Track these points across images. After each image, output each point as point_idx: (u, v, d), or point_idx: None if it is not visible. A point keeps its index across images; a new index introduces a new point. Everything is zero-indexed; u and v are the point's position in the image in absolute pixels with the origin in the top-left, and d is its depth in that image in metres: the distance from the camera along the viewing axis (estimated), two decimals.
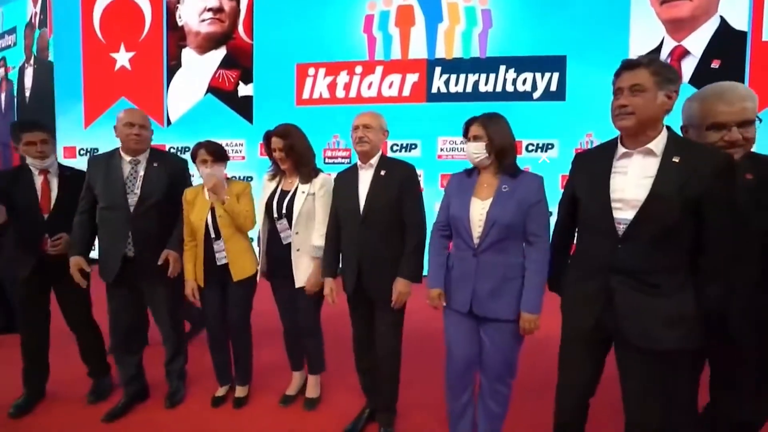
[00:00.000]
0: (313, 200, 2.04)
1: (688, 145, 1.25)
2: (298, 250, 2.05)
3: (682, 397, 1.33)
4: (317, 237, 2.03)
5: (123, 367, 2.20)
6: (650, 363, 1.27)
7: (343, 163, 5.32)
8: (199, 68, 5.68)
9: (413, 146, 5.29)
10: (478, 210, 1.58)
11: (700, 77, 4.73)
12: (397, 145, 5.38)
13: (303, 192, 2.04)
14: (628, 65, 1.26)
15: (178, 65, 5.73)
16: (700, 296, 1.22)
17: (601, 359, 1.43)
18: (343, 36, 5.36)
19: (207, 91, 5.67)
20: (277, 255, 2.10)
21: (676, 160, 1.21)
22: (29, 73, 6.69)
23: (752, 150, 1.29)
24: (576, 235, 1.51)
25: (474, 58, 5.19)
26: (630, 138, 1.30)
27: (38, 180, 2.10)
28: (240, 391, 2.27)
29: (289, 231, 2.05)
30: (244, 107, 5.62)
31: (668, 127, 1.29)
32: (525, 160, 4.90)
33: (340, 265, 2.00)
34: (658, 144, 1.25)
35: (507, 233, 1.54)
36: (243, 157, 5.60)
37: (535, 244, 1.55)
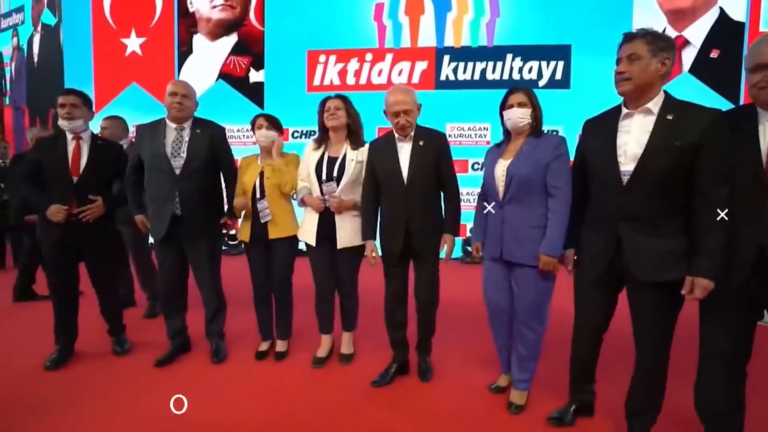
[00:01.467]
0: (360, 167, 2.17)
1: (682, 105, 1.42)
2: (340, 213, 2.17)
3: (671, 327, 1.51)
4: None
5: (171, 321, 2.38)
6: (655, 294, 1.45)
7: None
8: (210, 54, 5.75)
9: None
10: (501, 168, 1.80)
11: (700, 66, 4.93)
12: None
13: (352, 159, 2.17)
14: (626, 38, 1.45)
15: (189, 51, 5.80)
16: (697, 240, 1.38)
17: (614, 297, 1.63)
18: (354, 24, 5.47)
19: (218, 77, 5.75)
20: (326, 217, 2.20)
21: (669, 117, 1.39)
22: (36, 40, 6.78)
23: None
24: (588, 192, 1.64)
25: (481, 47, 5.33)
26: (631, 101, 1.48)
27: (71, 145, 2.21)
28: (281, 345, 2.43)
29: (335, 193, 2.15)
30: (255, 93, 5.71)
31: (665, 92, 1.46)
32: None
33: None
34: (656, 104, 1.43)
35: (527, 186, 1.73)
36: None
37: (555, 195, 1.71)
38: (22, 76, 7.06)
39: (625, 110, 1.51)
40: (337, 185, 2.15)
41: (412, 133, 2.02)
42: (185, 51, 5.80)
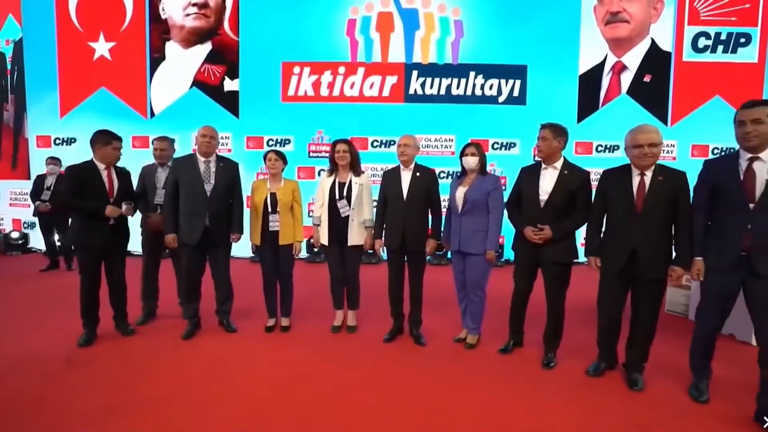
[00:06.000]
0: (360, 188, 2.99)
1: (571, 165, 2.47)
2: (353, 220, 2.95)
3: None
4: (369, 212, 3.00)
5: (188, 307, 3.00)
6: (558, 270, 2.48)
7: (326, 157, 5.68)
8: (183, 62, 5.80)
9: (391, 143, 5.77)
10: (460, 193, 2.72)
11: (635, 89, 5.61)
12: (378, 142, 5.84)
13: (356, 183, 2.98)
14: (543, 126, 2.47)
15: (162, 58, 5.81)
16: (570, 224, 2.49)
17: (536, 272, 2.60)
18: (327, 37, 5.72)
19: (192, 85, 5.81)
20: (337, 225, 2.99)
21: (566, 172, 2.44)
22: None
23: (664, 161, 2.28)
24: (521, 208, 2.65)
25: (447, 64, 5.75)
26: (546, 161, 2.51)
27: (104, 173, 2.79)
28: (285, 321, 3.13)
29: (347, 208, 2.96)
30: (230, 102, 5.82)
31: (564, 156, 2.48)
32: (491, 157, 5.53)
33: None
34: (558, 164, 2.47)
35: (475, 205, 2.67)
36: (229, 150, 5.81)
37: (492, 212, 2.68)
38: None
39: (544, 166, 2.53)
40: (348, 203, 2.94)
41: (412, 166, 2.85)
42: (158, 57, 5.81)
